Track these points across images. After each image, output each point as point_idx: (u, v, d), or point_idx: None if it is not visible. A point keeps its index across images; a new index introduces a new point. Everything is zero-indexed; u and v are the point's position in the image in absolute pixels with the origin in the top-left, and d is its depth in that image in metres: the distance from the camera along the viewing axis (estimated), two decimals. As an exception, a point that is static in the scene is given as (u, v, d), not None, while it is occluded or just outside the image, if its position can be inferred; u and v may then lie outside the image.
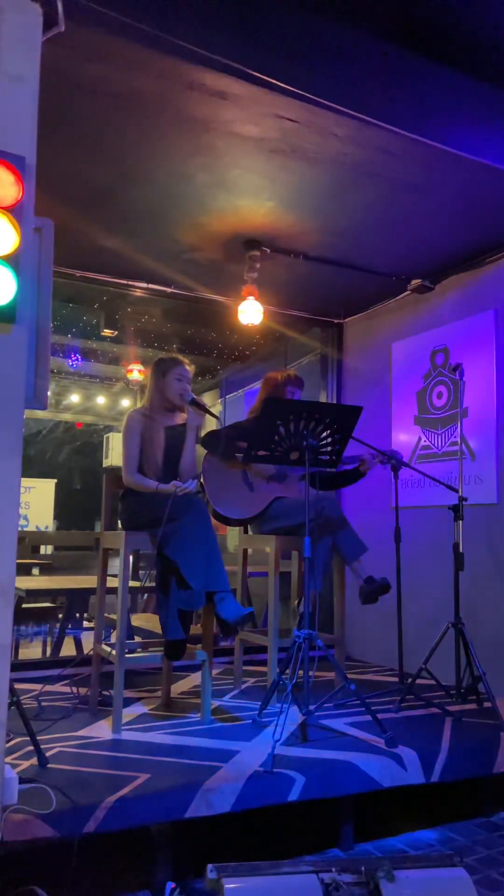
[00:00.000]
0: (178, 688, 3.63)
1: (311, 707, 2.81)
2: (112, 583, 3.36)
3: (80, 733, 2.81)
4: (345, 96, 2.65)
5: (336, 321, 5.14)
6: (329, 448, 3.00)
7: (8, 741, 2.39)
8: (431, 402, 4.36)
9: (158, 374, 3.24)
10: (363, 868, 1.81)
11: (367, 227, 3.72)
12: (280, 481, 3.58)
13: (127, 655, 2.90)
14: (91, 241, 3.86)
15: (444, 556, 3.60)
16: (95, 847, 2.16)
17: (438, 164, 3.03)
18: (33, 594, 4.71)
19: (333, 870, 1.80)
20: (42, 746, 2.44)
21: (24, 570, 6.12)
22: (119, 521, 3.28)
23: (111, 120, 2.78)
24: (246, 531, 3.73)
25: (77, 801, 2.09)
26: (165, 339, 6.52)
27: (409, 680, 3.38)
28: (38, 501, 10.05)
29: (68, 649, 4.70)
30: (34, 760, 2.41)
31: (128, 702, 3.27)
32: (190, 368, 3.26)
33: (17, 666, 3.94)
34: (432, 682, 3.40)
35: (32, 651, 5.42)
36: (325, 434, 2.96)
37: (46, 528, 10.04)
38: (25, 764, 2.41)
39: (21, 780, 2.14)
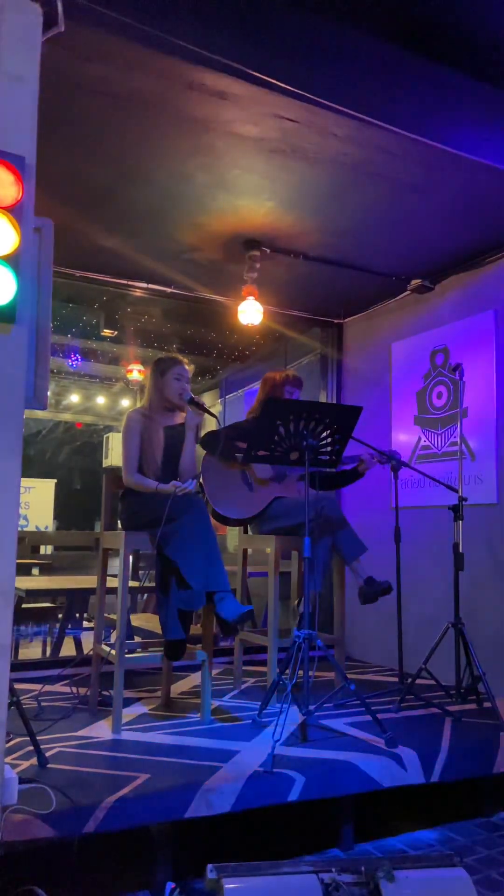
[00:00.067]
0: (178, 688, 3.63)
1: (311, 707, 2.81)
2: (112, 583, 3.36)
3: (79, 733, 2.81)
4: (345, 96, 2.65)
5: (336, 321, 5.14)
6: (329, 448, 3.00)
7: (8, 741, 2.39)
8: (431, 402, 4.36)
9: (157, 373, 3.24)
10: (363, 868, 1.81)
11: (367, 227, 3.72)
12: (279, 481, 3.58)
13: (127, 655, 2.90)
14: (91, 241, 3.86)
15: (444, 556, 3.60)
16: (95, 847, 2.15)
17: (438, 164, 3.03)
18: (33, 594, 4.71)
19: (333, 870, 1.80)
20: (42, 746, 2.44)
21: (23, 570, 6.12)
22: (119, 521, 3.28)
23: (111, 120, 2.78)
24: (246, 531, 3.73)
25: (77, 801, 2.09)
26: (165, 340, 6.52)
27: (409, 680, 3.38)
28: (37, 501, 10.05)
29: (68, 649, 4.70)
30: (34, 760, 2.41)
31: (128, 702, 3.27)
32: (189, 368, 3.26)
33: (17, 666, 3.94)
34: (432, 682, 3.40)
35: (32, 651, 5.42)
36: (324, 434, 2.96)
37: (46, 528, 10.04)
38: (25, 764, 2.41)
39: (21, 780, 2.14)
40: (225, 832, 2.40)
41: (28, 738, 2.40)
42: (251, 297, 4.09)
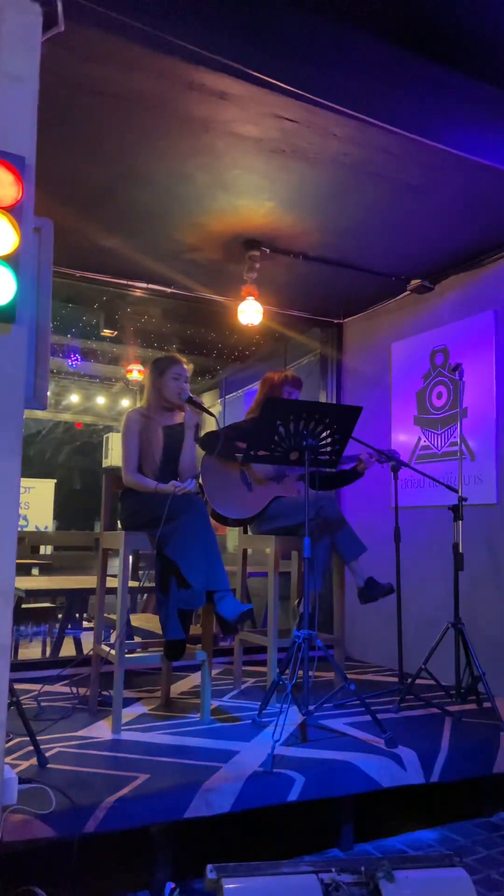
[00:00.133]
0: (178, 688, 3.63)
1: (311, 707, 2.81)
2: (112, 583, 3.36)
3: (79, 733, 2.81)
4: (345, 96, 2.65)
5: (336, 321, 5.14)
6: (329, 448, 3.00)
7: (7, 741, 2.39)
8: (431, 403, 4.36)
9: (156, 373, 3.24)
10: (363, 868, 1.81)
11: (367, 227, 3.72)
12: (278, 481, 3.58)
13: (127, 655, 2.90)
14: (91, 241, 3.86)
15: (444, 557, 3.60)
16: (95, 847, 2.15)
17: (438, 164, 3.03)
18: (33, 594, 4.71)
19: (333, 870, 1.80)
20: (42, 746, 2.44)
21: (23, 570, 6.12)
22: (119, 521, 3.28)
23: (111, 120, 2.78)
24: (245, 531, 3.73)
25: (77, 801, 2.09)
26: (165, 340, 6.52)
27: (409, 680, 3.38)
28: (37, 501, 10.04)
29: (68, 649, 4.70)
30: (34, 760, 2.41)
31: (127, 702, 3.27)
32: (188, 367, 3.26)
33: (17, 666, 3.94)
34: (432, 682, 3.40)
35: (32, 651, 5.42)
36: (324, 434, 2.96)
37: (46, 528, 10.03)
38: (25, 764, 2.41)
39: (21, 781, 2.13)
40: (224, 832, 2.40)
41: (28, 738, 2.40)
42: (251, 297, 4.08)
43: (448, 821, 2.77)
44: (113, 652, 2.89)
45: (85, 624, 5.14)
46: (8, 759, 2.41)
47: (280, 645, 3.24)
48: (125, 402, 9.85)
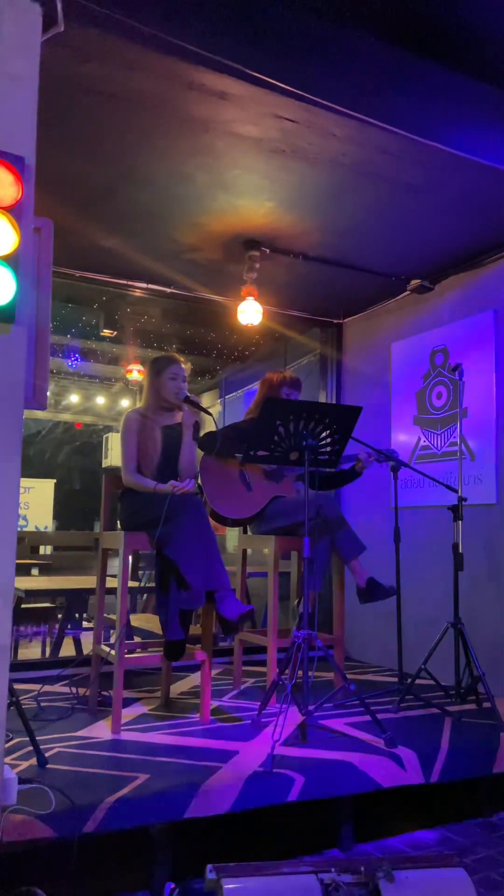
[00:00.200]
0: (178, 688, 3.63)
1: (311, 707, 2.81)
2: (111, 583, 3.36)
3: (79, 733, 2.81)
4: (345, 96, 2.65)
5: (335, 321, 5.14)
6: (328, 448, 3.01)
7: (7, 741, 2.39)
8: (431, 403, 4.36)
9: (154, 373, 3.24)
10: (363, 868, 1.81)
11: (367, 227, 3.72)
12: (277, 481, 3.58)
13: (126, 655, 2.90)
14: (91, 241, 3.86)
15: (444, 557, 3.60)
16: (95, 847, 2.15)
17: (438, 164, 3.03)
18: (33, 594, 4.71)
19: (333, 870, 1.80)
20: (41, 747, 2.43)
21: (23, 570, 6.12)
22: (118, 522, 3.28)
23: (111, 120, 2.78)
24: (245, 531, 3.73)
25: (76, 801, 2.09)
26: (165, 340, 6.52)
27: (409, 680, 3.38)
28: (37, 501, 10.05)
29: (68, 650, 4.70)
30: (33, 761, 2.41)
31: (127, 702, 3.27)
32: (186, 367, 3.26)
33: (17, 666, 3.94)
34: (432, 682, 3.40)
35: (32, 651, 5.41)
36: (324, 434, 2.96)
37: (46, 528, 10.03)
38: (25, 764, 2.41)
39: (20, 781, 2.14)
40: (224, 832, 2.40)
41: (28, 738, 2.40)
42: (251, 298, 4.08)
43: (448, 821, 2.77)
44: (113, 652, 2.89)
45: (85, 624, 5.13)
46: (8, 759, 2.41)
47: (280, 645, 3.24)
48: (125, 403, 9.85)
